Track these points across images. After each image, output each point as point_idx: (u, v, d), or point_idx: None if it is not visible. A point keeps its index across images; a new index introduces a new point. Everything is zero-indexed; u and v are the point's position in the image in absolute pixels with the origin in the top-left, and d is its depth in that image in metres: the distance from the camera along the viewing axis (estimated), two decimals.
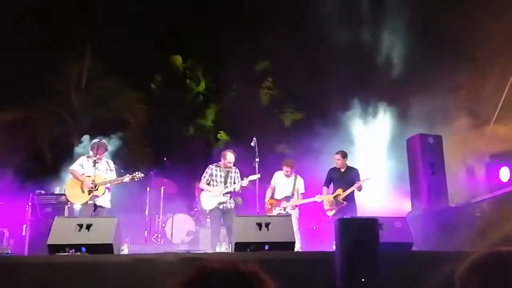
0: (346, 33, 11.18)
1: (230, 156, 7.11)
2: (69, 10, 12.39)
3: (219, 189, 6.99)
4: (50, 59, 12.48)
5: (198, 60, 14.77)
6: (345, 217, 6.40)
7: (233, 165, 7.21)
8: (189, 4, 13.45)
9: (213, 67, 14.49)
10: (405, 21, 10.31)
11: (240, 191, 7.19)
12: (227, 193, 7.00)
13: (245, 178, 7.10)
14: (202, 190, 7.19)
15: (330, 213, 7.39)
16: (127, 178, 6.73)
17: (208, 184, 7.10)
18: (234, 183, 7.08)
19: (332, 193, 7.43)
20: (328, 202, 7.39)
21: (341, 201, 7.22)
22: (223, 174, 7.13)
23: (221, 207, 6.92)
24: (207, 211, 7.22)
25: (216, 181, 7.09)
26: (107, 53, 12.60)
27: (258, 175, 7.11)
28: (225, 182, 7.07)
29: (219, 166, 7.19)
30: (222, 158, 7.19)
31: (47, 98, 13.01)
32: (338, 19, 11.21)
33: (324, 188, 7.62)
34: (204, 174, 7.23)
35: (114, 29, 12.20)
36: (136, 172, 6.79)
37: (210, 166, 7.28)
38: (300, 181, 7.59)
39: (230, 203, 7.02)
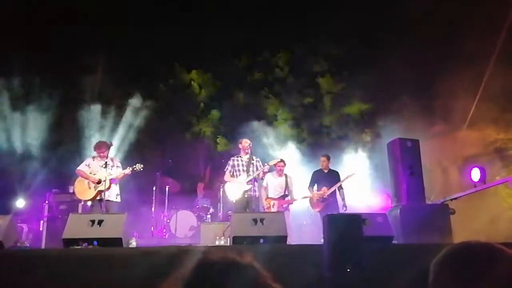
0: None
1: (245, 141, 6.91)
2: (83, 24, 12.38)
3: (242, 178, 6.72)
4: (68, 70, 12.48)
5: (200, 70, 14.71)
6: (329, 213, 6.42)
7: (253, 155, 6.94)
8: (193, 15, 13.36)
9: (214, 76, 14.47)
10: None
11: (263, 177, 6.90)
12: (250, 181, 6.72)
13: (266, 164, 6.89)
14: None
15: (316, 210, 7.41)
16: (127, 170, 6.50)
17: (232, 175, 6.81)
18: (257, 170, 6.80)
19: (317, 192, 7.45)
20: (315, 199, 7.39)
21: (326, 197, 7.26)
22: (244, 164, 6.83)
23: (246, 195, 6.64)
24: (234, 202, 6.83)
25: (239, 170, 6.82)
26: (118, 65, 12.60)
27: (278, 159, 7.17)
28: (248, 171, 6.79)
29: (240, 157, 6.93)
30: (239, 144, 6.98)
31: (65, 105, 12.95)
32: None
33: (310, 189, 7.58)
34: (226, 167, 6.93)
35: (124, 43, 12.20)
36: (137, 164, 6.55)
37: (232, 158, 7.03)
38: (290, 180, 7.55)
39: (254, 190, 6.72)
